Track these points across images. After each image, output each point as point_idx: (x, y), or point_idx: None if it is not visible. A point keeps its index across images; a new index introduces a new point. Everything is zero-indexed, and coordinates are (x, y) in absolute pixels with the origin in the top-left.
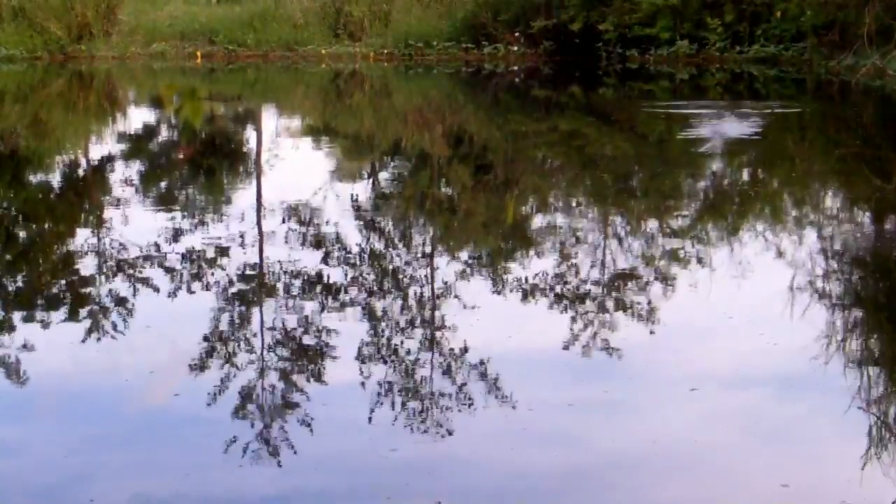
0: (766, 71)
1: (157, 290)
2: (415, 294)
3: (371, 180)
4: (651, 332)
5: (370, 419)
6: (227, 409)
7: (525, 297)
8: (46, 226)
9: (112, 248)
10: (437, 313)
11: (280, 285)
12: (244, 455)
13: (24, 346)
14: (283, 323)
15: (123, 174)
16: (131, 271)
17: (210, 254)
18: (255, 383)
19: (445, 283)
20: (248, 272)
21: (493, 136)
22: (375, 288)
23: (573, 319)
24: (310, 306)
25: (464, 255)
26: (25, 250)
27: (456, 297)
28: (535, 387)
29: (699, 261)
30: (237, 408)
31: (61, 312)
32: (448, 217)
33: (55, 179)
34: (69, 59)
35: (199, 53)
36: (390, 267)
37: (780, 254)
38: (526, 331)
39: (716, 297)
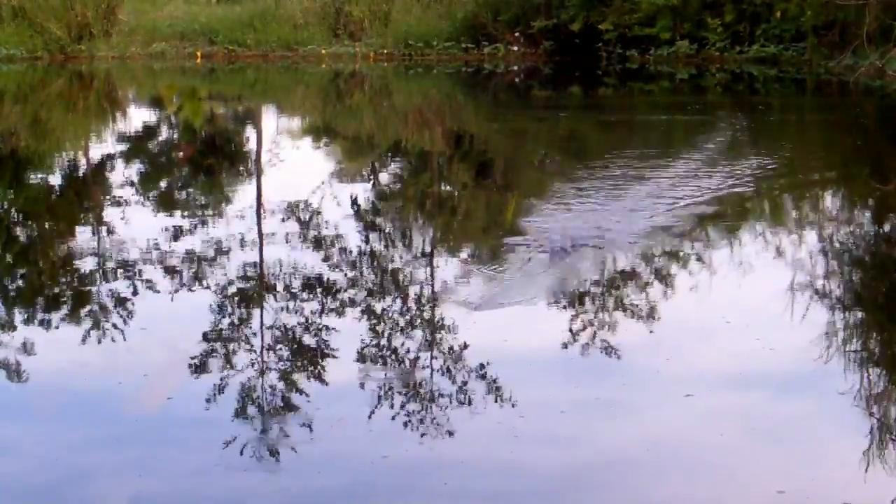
0: (766, 71)
1: (154, 290)
2: (413, 294)
3: (371, 180)
4: (648, 336)
5: (368, 419)
6: (220, 412)
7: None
8: (45, 226)
9: (110, 248)
10: (434, 313)
11: (277, 286)
12: (240, 457)
13: (20, 346)
14: (279, 324)
15: (123, 174)
16: (128, 271)
17: (208, 254)
18: (249, 386)
19: (444, 283)
20: (245, 273)
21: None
22: (373, 289)
23: (570, 322)
24: (306, 308)
25: (462, 253)
26: (24, 250)
27: (455, 295)
28: (533, 389)
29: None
30: (231, 410)
31: (58, 313)
32: (446, 216)
33: (55, 179)
34: (69, 59)
35: (199, 53)
36: (388, 267)
37: None
38: (524, 332)
39: (713, 304)
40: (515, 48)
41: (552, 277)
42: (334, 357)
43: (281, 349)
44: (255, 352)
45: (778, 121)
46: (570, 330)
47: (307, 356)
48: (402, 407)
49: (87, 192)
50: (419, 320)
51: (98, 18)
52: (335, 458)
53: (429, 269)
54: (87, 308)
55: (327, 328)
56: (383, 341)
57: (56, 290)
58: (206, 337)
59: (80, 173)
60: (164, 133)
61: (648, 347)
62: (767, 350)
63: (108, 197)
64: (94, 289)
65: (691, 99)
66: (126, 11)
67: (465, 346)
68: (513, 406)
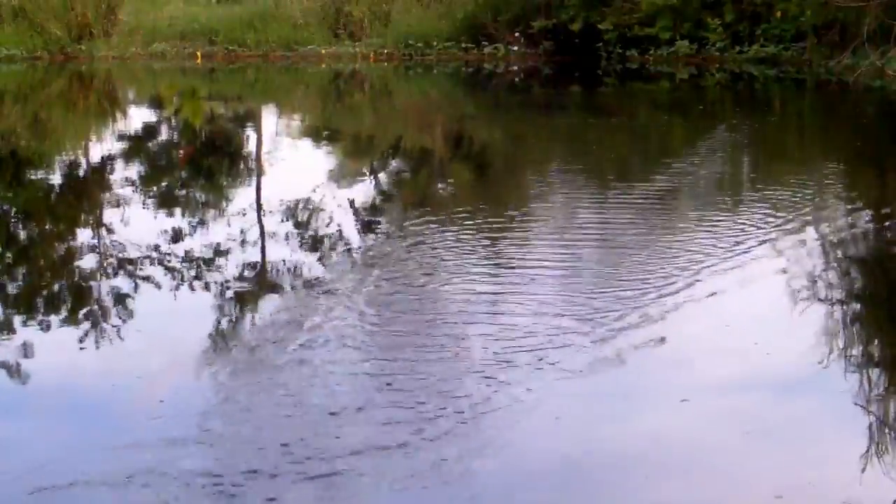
0: (766, 71)
1: (154, 290)
2: (412, 292)
3: (371, 179)
4: (649, 340)
5: (365, 419)
6: (214, 414)
7: (521, 297)
8: (45, 226)
9: (109, 248)
10: (433, 309)
11: (275, 286)
12: (236, 458)
13: (15, 346)
14: (274, 324)
15: (123, 174)
16: (128, 271)
17: (207, 254)
18: (245, 387)
19: (444, 278)
20: (244, 273)
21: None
22: (371, 287)
23: (568, 322)
24: (305, 306)
25: (460, 249)
26: (23, 250)
27: (454, 291)
28: (533, 389)
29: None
30: (226, 412)
31: (55, 314)
32: (447, 212)
33: (55, 179)
34: (69, 59)
35: (199, 53)
36: (387, 264)
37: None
38: (524, 332)
39: (713, 307)
40: (515, 48)
41: None
42: (336, 353)
43: (275, 349)
44: (250, 352)
45: (778, 124)
46: None
47: (317, 353)
48: (401, 403)
49: (86, 192)
50: None
51: (98, 18)
52: (331, 459)
53: None
54: (84, 308)
55: (322, 330)
56: None
57: (54, 290)
58: (201, 338)
59: (80, 173)
60: (164, 133)
61: None
62: None
63: (106, 197)
64: (90, 289)
65: (691, 96)
66: (126, 11)
67: None
68: None
